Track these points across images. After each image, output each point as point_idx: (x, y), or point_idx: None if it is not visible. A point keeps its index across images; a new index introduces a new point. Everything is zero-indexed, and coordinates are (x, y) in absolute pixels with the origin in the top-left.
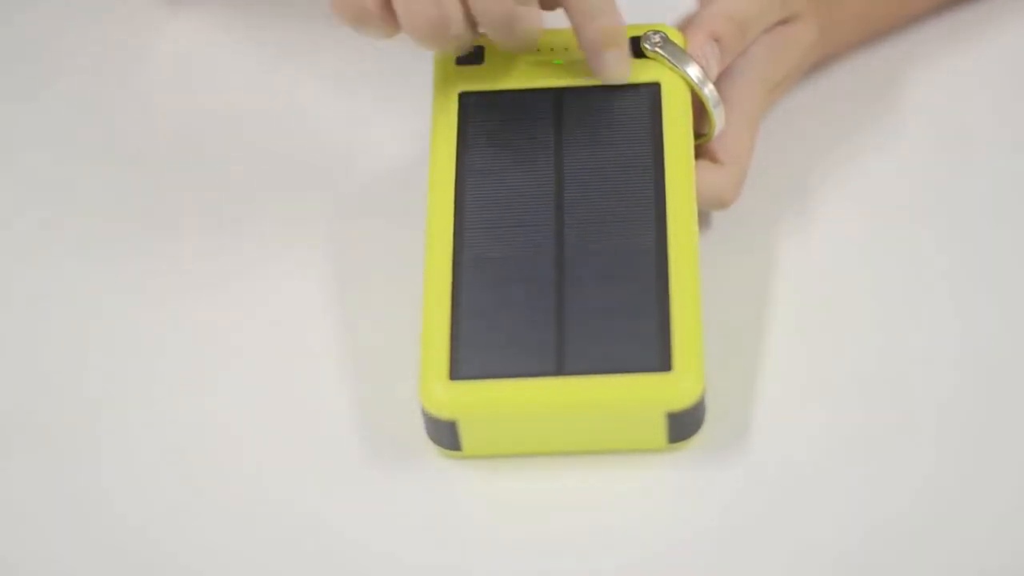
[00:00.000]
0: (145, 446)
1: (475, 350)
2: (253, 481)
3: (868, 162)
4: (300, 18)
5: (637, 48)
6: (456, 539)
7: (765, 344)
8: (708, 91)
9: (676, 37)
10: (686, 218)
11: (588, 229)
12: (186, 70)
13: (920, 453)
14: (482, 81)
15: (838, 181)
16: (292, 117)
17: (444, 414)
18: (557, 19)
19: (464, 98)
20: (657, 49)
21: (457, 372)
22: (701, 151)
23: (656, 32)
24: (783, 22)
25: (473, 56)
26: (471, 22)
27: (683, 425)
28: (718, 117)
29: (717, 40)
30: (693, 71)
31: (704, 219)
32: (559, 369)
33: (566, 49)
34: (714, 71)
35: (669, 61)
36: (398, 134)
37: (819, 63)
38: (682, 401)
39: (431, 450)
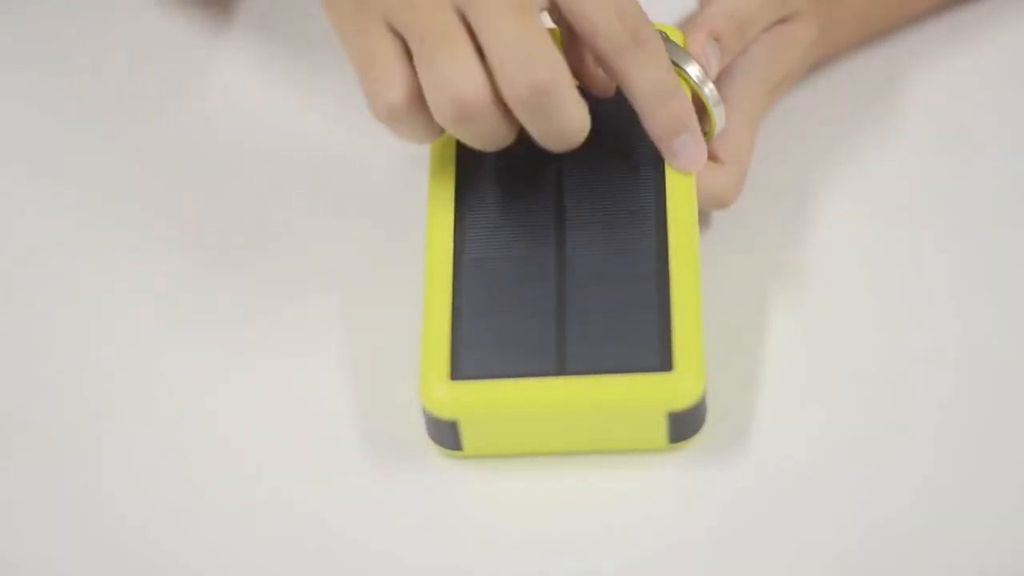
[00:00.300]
0: (145, 446)
1: (476, 350)
2: (253, 481)
3: (868, 162)
4: (304, 15)
5: None
6: (456, 539)
7: (765, 344)
8: (708, 90)
9: (676, 36)
10: (686, 218)
11: (589, 229)
12: (187, 71)
13: (920, 453)
14: None
15: (838, 181)
16: (293, 117)
17: (445, 414)
18: None
19: None
20: None
21: (458, 372)
22: None
23: (657, 31)
24: (783, 21)
25: None
26: (503, 104)
27: (684, 425)
28: (718, 116)
29: (717, 39)
30: (693, 70)
31: (704, 219)
32: (560, 369)
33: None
34: (714, 70)
35: (669, 60)
36: None
37: (819, 63)
38: (683, 401)
39: (431, 450)
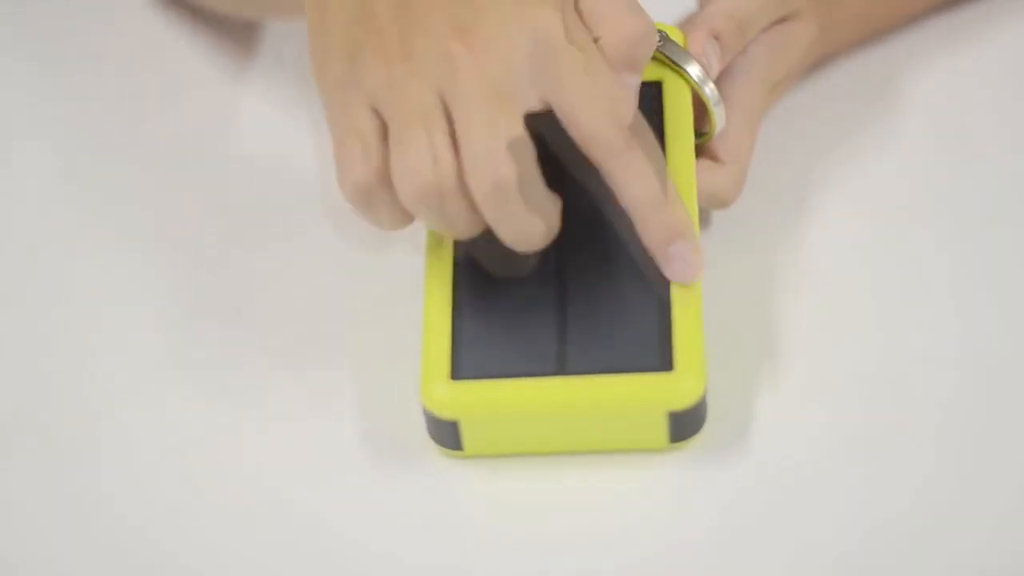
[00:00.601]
0: (145, 446)
1: (476, 350)
2: (253, 481)
3: (868, 162)
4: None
5: None
6: (456, 539)
7: (765, 344)
8: (709, 90)
9: (677, 36)
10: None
11: (589, 228)
12: (187, 73)
13: (920, 453)
14: None
15: (838, 181)
16: (295, 117)
17: (445, 414)
18: None
19: None
20: (658, 48)
21: (458, 372)
22: (702, 150)
23: (657, 31)
24: (782, 20)
25: None
26: (468, 194)
27: (685, 425)
28: (719, 116)
29: (717, 38)
30: (694, 70)
31: (704, 219)
32: (560, 369)
33: None
34: (714, 70)
35: (670, 60)
36: None
37: (819, 62)
38: (684, 401)
39: (431, 450)
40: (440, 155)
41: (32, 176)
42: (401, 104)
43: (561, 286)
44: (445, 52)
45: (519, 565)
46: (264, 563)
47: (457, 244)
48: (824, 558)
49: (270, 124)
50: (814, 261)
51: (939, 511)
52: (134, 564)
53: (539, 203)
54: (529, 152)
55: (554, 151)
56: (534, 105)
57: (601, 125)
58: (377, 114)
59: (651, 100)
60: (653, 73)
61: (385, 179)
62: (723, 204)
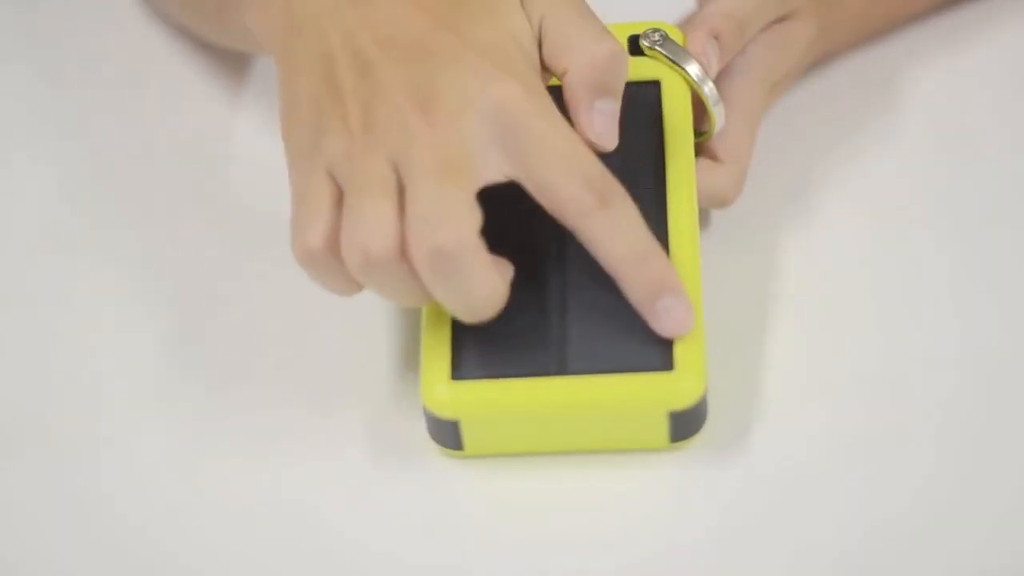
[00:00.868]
0: (145, 446)
1: (477, 350)
2: (253, 481)
3: (868, 162)
4: None
5: (636, 46)
6: (456, 539)
7: (765, 344)
8: (708, 89)
9: (676, 35)
10: (687, 217)
11: None
12: (186, 74)
13: (920, 453)
14: None
15: (838, 181)
16: None
17: (446, 414)
18: None
19: None
20: (657, 47)
21: (459, 372)
22: (701, 149)
23: (656, 30)
24: (781, 20)
25: None
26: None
27: (685, 424)
28: (718, 115)
29: (717, 38)
30: (693, 69)
31: (704, 219)
32: (561, 369)
33: None
34: (714, 69)
35: (669, 59)
36: None
37: (818, 61)
38: (684, 400)
39: (431, 450)
40: (385, 226)
41: (33, 176)
42: (357, 175)
43: (562, 286)
44: (404, 124)
45: (519, 565)
46: (264, 563)
47: None
48: (824, 558)
49: (273, 125)
50: (814, 261)
51: (939, 511)
52: (134, 564)
53: (482, 275)
54: (475, 224)
55: None
56: (495, 178)
57: (571, 189)
58: (336, 181)
59: (650, 99)
60: (652, 72)
61: (335, 247)
62: (723, 204)
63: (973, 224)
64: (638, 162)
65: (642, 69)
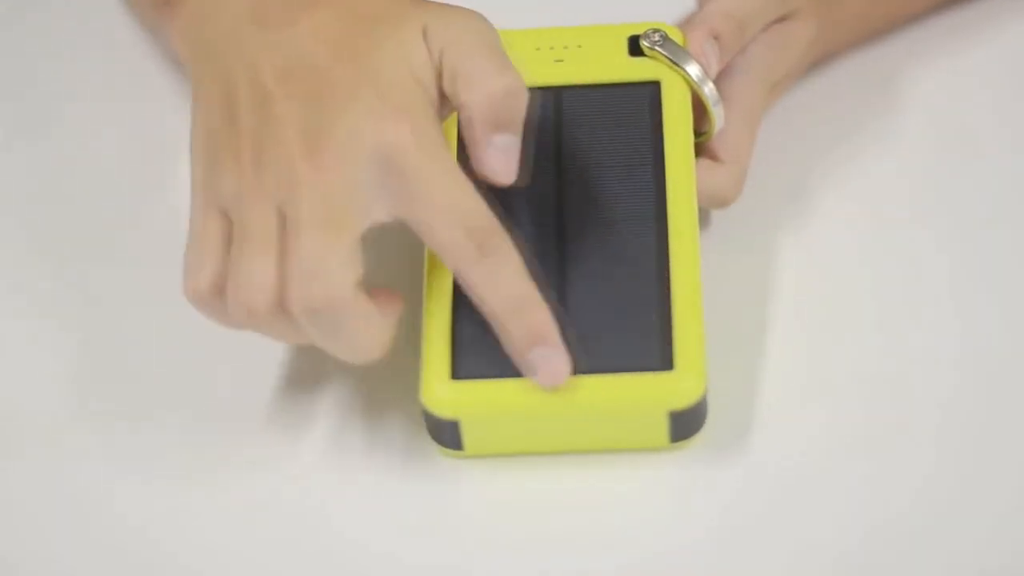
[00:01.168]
0: (145, 446)
1: (476, 350)
2: (253, 481)
3: (868, 162)
4: None
5: (636, 46)
6: (456, 539)
7: (765, 344)
8: (708, 89)
9: (676, 35)
10: (687, 217)
11: (589, 228)
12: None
13: (920, 453)
14: None
15: (838, 181)
16: None
17: (446, 414)
18: (554, 18)
19: None
20: (657, 47)
21: (459, 372)
22: (701, 149)
23: (656, 30)
24: (781, 20)
25: None
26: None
27: (685, 424)
28: (718, 115)
29: (716, 38)
30: (693, 69)
31: (704, 219)
32: None
33: (565, 48)
34: (714, 69)
35: (669, 59)
36: None
37: (818, 61)
38: (684, 400)
39: (431, 450)
40: (265, 284)
41: (33, 176)
42: (245, 220)
43: (561, 285)
44: (290, 170)
45: (519, 565)
46: (264, 563)
47: None
48: (824, 558)
49: None
50: (814, 261)
51: (939, 511)
52: (134, 564)
53: (358, 327)
54: (353, 276)
55: (552, 150)
56: (383, 219)
57: (451, 236)
58: (228, 216)
59: (650, 99)
60: (652, 72)
61: (222, 291)
62: (723, 204)
63: (973, 224)
64: (638, 162)
65: (642, 69)
